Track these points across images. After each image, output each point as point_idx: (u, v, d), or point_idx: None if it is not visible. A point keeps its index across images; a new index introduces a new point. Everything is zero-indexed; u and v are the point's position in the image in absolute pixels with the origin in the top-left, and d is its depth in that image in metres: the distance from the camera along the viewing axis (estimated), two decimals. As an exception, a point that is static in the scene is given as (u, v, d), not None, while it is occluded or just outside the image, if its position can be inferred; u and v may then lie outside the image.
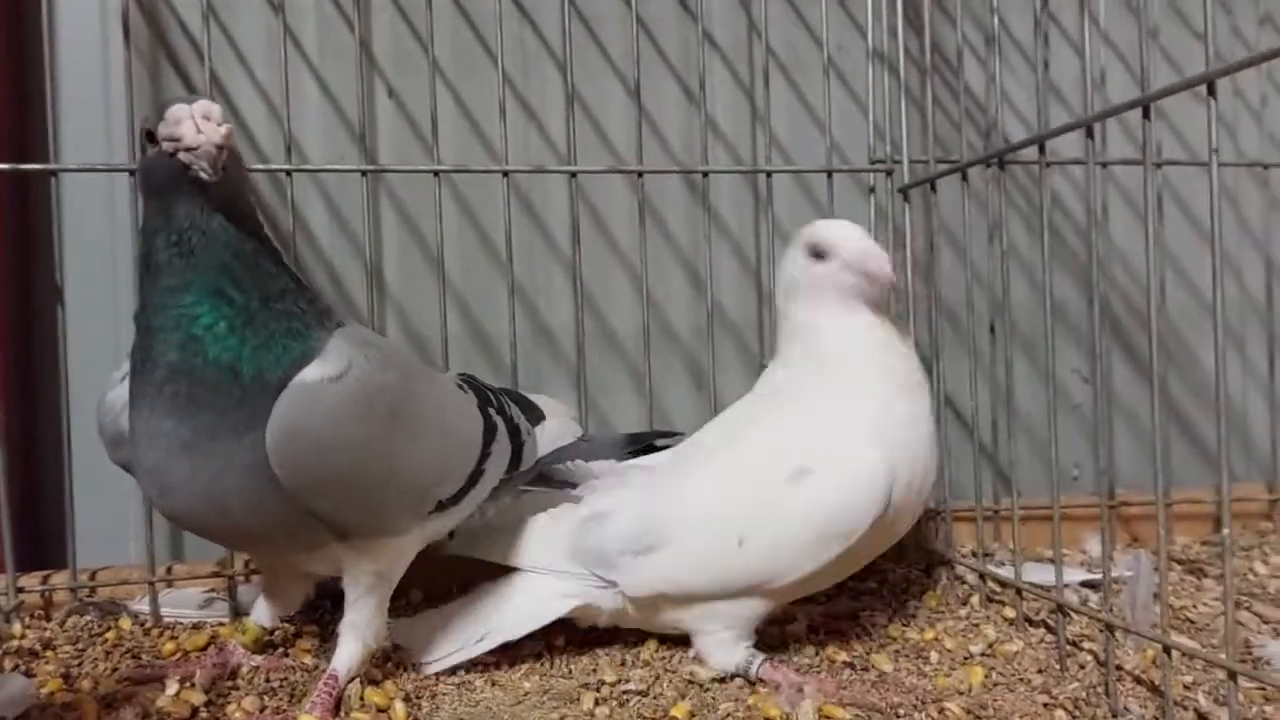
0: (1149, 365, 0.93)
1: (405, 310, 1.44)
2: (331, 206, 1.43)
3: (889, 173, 1.43)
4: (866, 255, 1.04)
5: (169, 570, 1.29)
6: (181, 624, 1.21)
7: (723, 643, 1.05)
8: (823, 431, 1.04)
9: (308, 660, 1.09)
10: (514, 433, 1.14)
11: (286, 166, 1.29)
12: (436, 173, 1.31)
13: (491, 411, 1.12)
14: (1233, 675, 0.82)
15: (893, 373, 1.06)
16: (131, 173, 1.23)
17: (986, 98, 1.39)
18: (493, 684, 1.06)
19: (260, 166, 1.33)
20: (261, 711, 0.98)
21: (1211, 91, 0.82)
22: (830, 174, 1.42)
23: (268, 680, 1.04)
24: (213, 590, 1.26)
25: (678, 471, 1.12)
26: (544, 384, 1.45)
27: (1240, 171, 1.65)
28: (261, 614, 1.10)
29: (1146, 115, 0.91)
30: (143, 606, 1.22)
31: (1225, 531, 0.84)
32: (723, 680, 1.04)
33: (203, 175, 0.84)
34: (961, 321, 1.43)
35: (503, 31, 1.34)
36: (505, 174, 1.32)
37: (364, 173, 1.30)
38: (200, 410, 0.87)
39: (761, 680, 1.02)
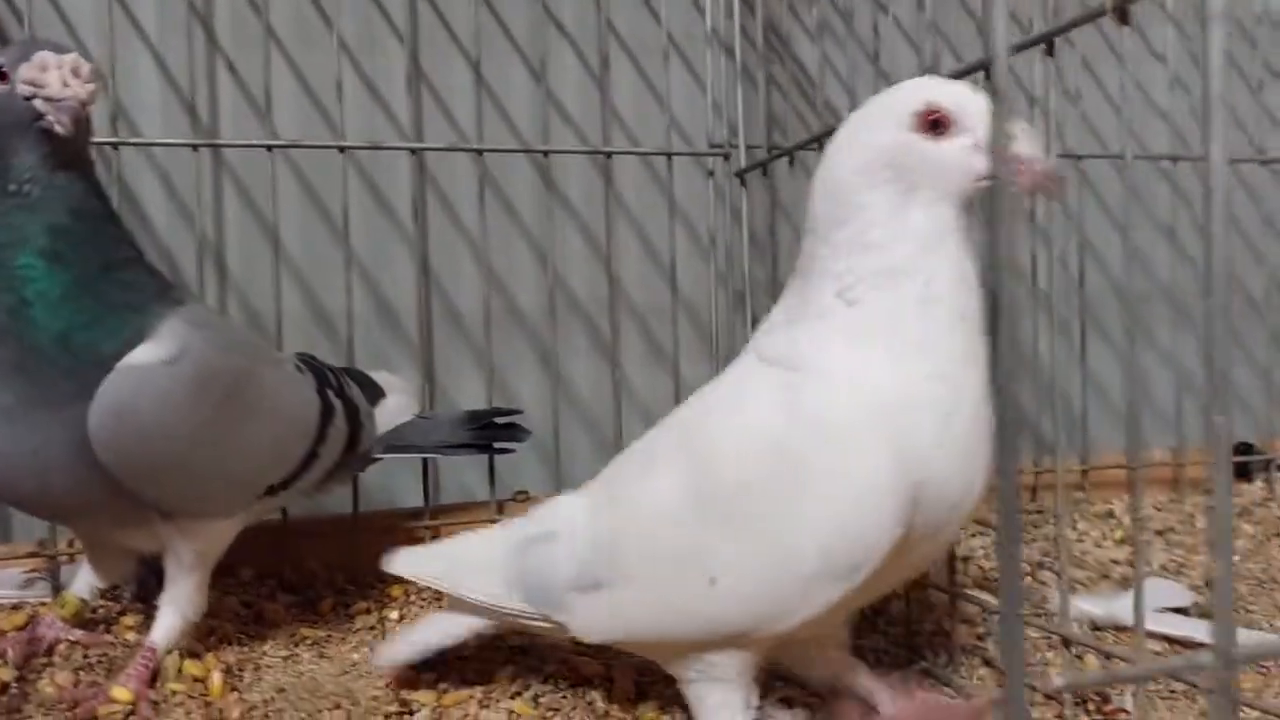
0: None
1: (244, 288, 1.43)
2: (167, 183, 1.40)
3: (726, 156, 1.47)
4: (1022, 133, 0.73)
5: (-13, 551, 1.25)
6: (1, 604, 1.18)
7: (711, 697, 0.81)
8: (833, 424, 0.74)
9: (130, 636, 1.08)
10: (352, 414, 1.12)
11: (114, 139, 1.26)
12: (270, 147, 1.30)
13: (330, 394, 1.09)
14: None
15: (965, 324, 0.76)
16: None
17: (822, 82, 1.44)
18: (321, 656, 1.07)
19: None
20: (75, 685, 0.97)
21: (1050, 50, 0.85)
22: (670, 156, 1.46)
23: (85, 656, 1.03)
24: (34, 570, 1.23)
25: (639, 473, 0.84)
26: (387, 363, 1.45)
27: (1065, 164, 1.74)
28: (81, 586, 1.08)
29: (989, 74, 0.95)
30: (-41, 587, 1.19)
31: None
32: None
33: (57, 128, 0.82)
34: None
35: (345, 5, 1.34)
36: (342, 149, 1.32)
37: (195, 147, 1.28)
38: (26, 377, 0.85)
39: None
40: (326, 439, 1.07)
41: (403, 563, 0.96)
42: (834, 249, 0.76)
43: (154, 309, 0.90)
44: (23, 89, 0.83)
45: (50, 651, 1.03)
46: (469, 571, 0.89)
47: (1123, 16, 0.75)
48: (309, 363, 1.13)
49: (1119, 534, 1.43)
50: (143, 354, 0.87)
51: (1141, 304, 1.74)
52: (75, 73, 0.83)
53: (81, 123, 0.84)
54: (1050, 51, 0.84)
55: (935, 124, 0.73)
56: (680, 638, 0.80)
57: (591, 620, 0.82)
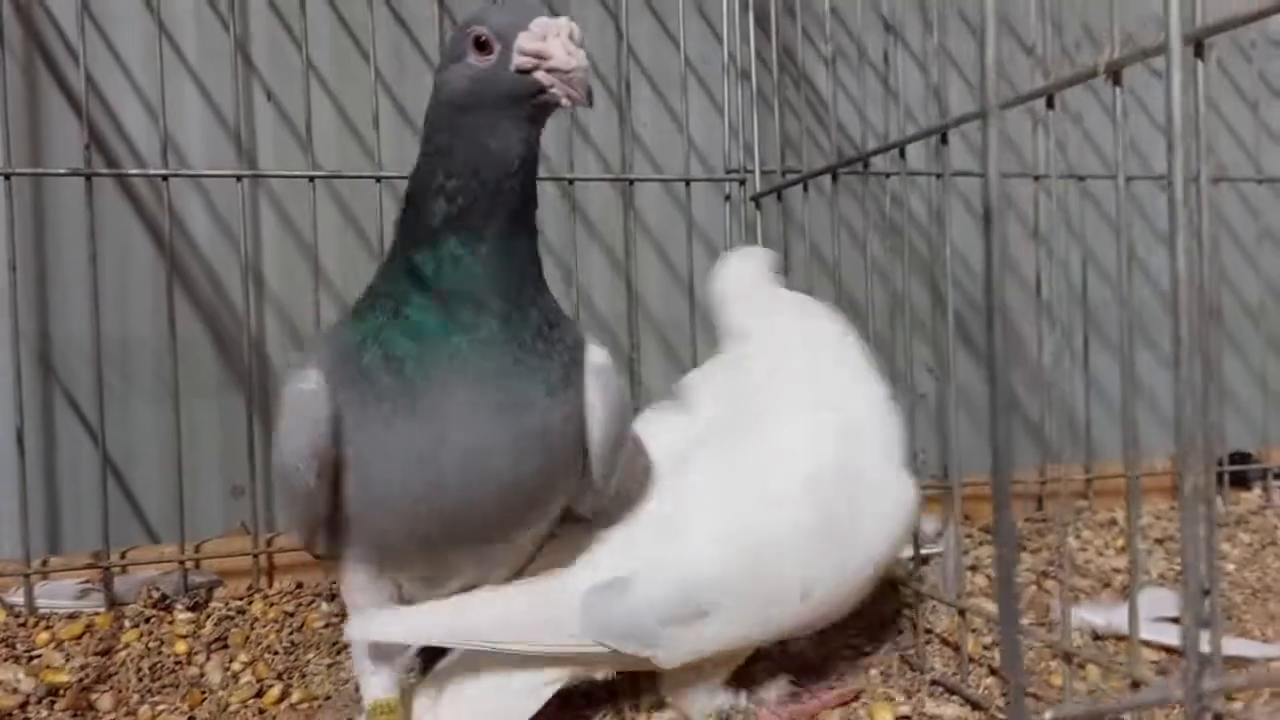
0: (989, 358, 1.03)
1: (285, 310, 1.49)
2: (213, 210, 1.47)
3: (742, 181, 1.53)
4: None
5: (44, 562, 1.32)
6: (57, 614, 1.24)
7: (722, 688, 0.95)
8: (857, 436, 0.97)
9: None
10: None
11: (164, 171, 1.32)
12: (312, 178, 1.36)
13: None
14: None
15: None
16: (6, 176, 1.26)
17: (835, 106, 1.50)
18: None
19: (136, 171, 1.36)
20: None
21: (1051, 105, 0.92)
22: (688, 182, 1.52)
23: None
24: (88, 581, 1.29)
25: (705, 502, 0.91)
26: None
27: (1070, 182, 1.80)
28: (386, 680, 0.90)
29: (1049, 105, 1.01)
30: (17, 598, 1.25)
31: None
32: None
33: (564, 102, 0.74)
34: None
35: (377, 39, 1.40)
36: (379, 179, 1.38)
37: (239, 178, 1.35)
38: (515, 371, 0.78)
39: None
40: None
41: (395, 629, 0.87)
42: None
43: None
44: (523, 61, 0.74)
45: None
46: (523, 627, 0.86)
47: (1116, 78, 0.81)
48: None
49: (1121, 542, 1.48)
50: (596, 349, 0.86)
51: (1142, 312, 1.80)
52: (571, 38, 0.74)
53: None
54: (1050, 105, 0.91)
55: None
56: (760, 641, 0.93)
57: (681, 646, 0.87)
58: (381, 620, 0.86)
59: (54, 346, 1.41)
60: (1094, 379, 1.74)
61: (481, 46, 0.75)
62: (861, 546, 0.92)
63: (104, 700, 1.02)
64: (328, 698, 1.04)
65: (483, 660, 0.88)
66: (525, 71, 0.74)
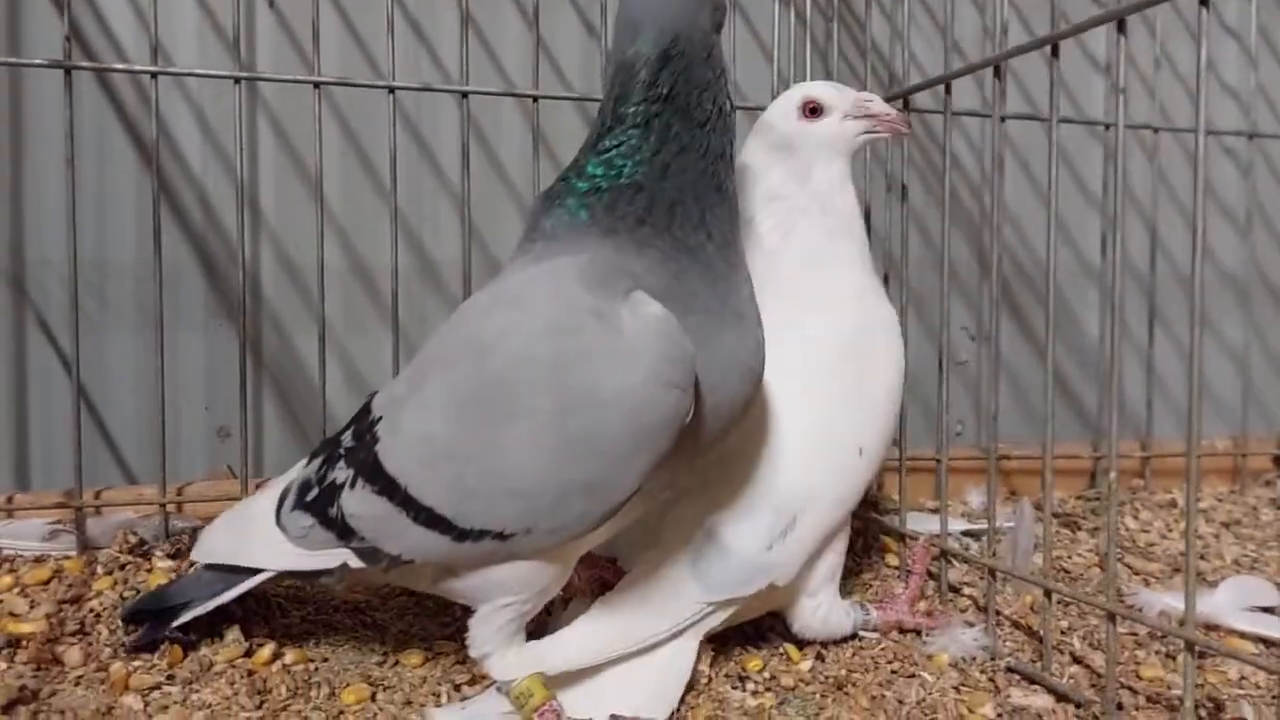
0: (1046, 327, 0.92)
1: (281, 236, 1.36)
2: (202, 120, 1.33)
3: (788, 115, 1.39)
4: (867, 100, 1.00)
5: (10, 499, 1.20)
6: (22, 557, 1.12)
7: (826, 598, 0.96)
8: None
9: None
10: None
11: (151, 68, 1.18)
12: (317, 84, 1.22)
13: None
14: (1111, 617, 0.83)
15: None
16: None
17: (891, 51, 1.37)
18: (363, 625, 1.01)
19: (121, 66, 1.22)
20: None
21: (1122, 29, 0.81)
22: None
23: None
24: (58, 522, 1.16)
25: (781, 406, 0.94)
26: (428, 323, 1.39)
27: (1129, 139, 1.68)
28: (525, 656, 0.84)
29: (1056, 53, 0.89)
30: (-22, 538, 1.13)
31: (1112, 475, 0.84)
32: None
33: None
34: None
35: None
36: (391, 90, 1.24)
37: (237, 80, 1.20)
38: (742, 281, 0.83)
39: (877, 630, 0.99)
40: None
41: (555, 659, 0.84)
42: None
43: None
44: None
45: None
46: (656, 615, 0.87)
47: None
48: None
49: (1183, 525, 1.37)
50: None
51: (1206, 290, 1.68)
52: None
53: None
54: (1122, 29, 0.81)
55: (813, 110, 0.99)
56: (843, 517, 0.96)
57: (791, 556, 0.90)
58: (539, 652, 0.83)
59: (27, 266, 1.27)
60: (1151, 357, 1.63)
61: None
62: (881, 389, 0.97)
63: (72, 654, 0.90)
64: (325, 660, 0.92)
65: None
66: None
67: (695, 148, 0.78)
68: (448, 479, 0.76)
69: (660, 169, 0.77)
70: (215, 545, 0.92)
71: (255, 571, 0.88)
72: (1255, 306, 1.72)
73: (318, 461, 0.86)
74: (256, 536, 0.87)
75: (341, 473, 0.81)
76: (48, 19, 1.25)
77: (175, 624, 0.91)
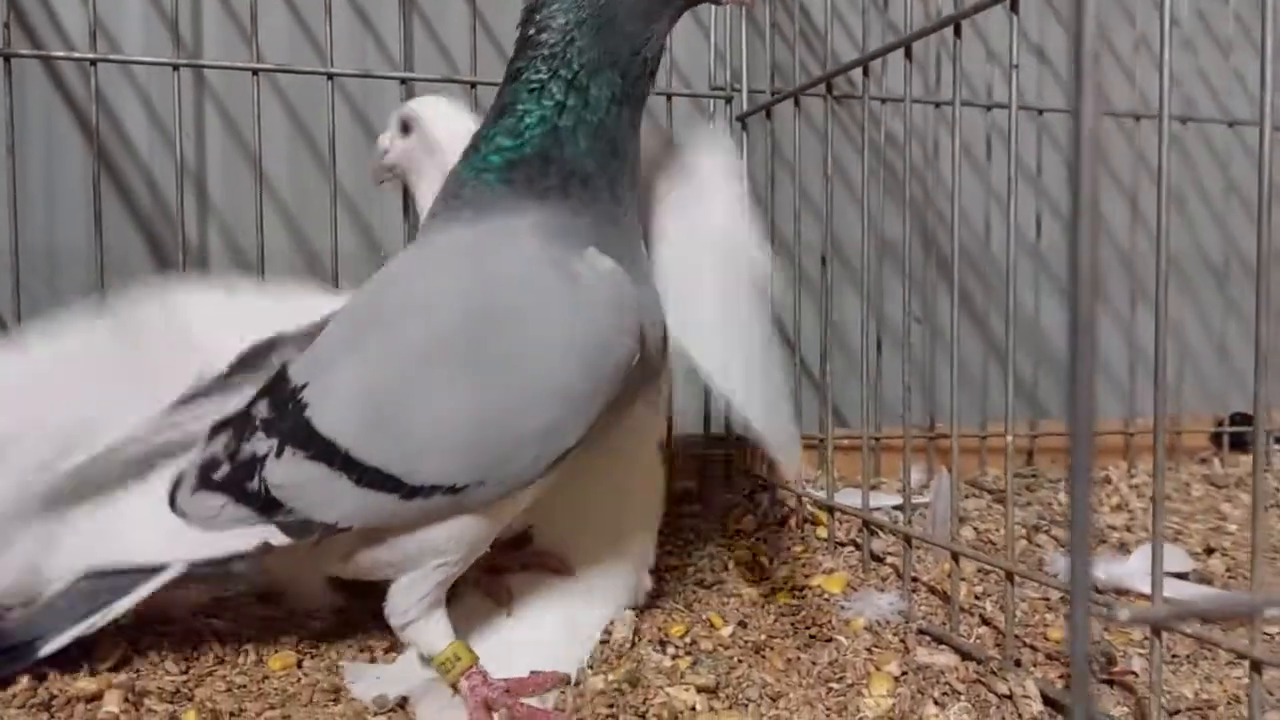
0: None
1: (227, 220, 1.38)
2: (149, 106, 1.35)
3: (728, 100, 1.42)
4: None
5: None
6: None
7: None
8: None
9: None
10: None
11: (91, 55, 1.20)
12: (256, 71, 1.24)
13: None
14: (1010, 576, 0.86)
15: None
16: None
17: (828, 29, 1.39)
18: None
19: (61, 53, 1.24)
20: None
21: (1015, 8, 0.84)
22: (670, 97, 1.41)
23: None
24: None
25: None
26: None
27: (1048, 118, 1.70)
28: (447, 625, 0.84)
29: (958, 33, 0.92)
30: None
31: (1009, 439, 0.87)
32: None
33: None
34: (794, 253, 1.44)
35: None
36: (330, 77, 1.26)
37: (175, 66, 1.22)
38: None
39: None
40: None
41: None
42: None
43: None
44: None
45: None
46: None
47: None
48: None
49: (1115, 500, 1.41)
50: None
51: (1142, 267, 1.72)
52: None
53: None
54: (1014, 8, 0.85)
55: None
56: None
57: None
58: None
59: (-29, 252, 1.29)
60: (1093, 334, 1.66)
61: None
62: None
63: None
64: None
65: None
66: None
67: (607, 118, 0.80)
68: (396, 435, 0.76)
69: (575, 138, 0.80)
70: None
71: (140, 578, 0.81)
72: (1195, 286, 1.75)
73: (221, 439, 0.81)
74: (138, 532, 0.81)
75: (262, 444, 0.79)
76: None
77: (31, 660, 0.81)
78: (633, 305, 0.77)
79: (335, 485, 0.76)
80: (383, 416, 0.76)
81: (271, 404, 0.81)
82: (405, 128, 1.04)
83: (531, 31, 0.81)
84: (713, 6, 1.41)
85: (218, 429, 0.82)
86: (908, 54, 1.00)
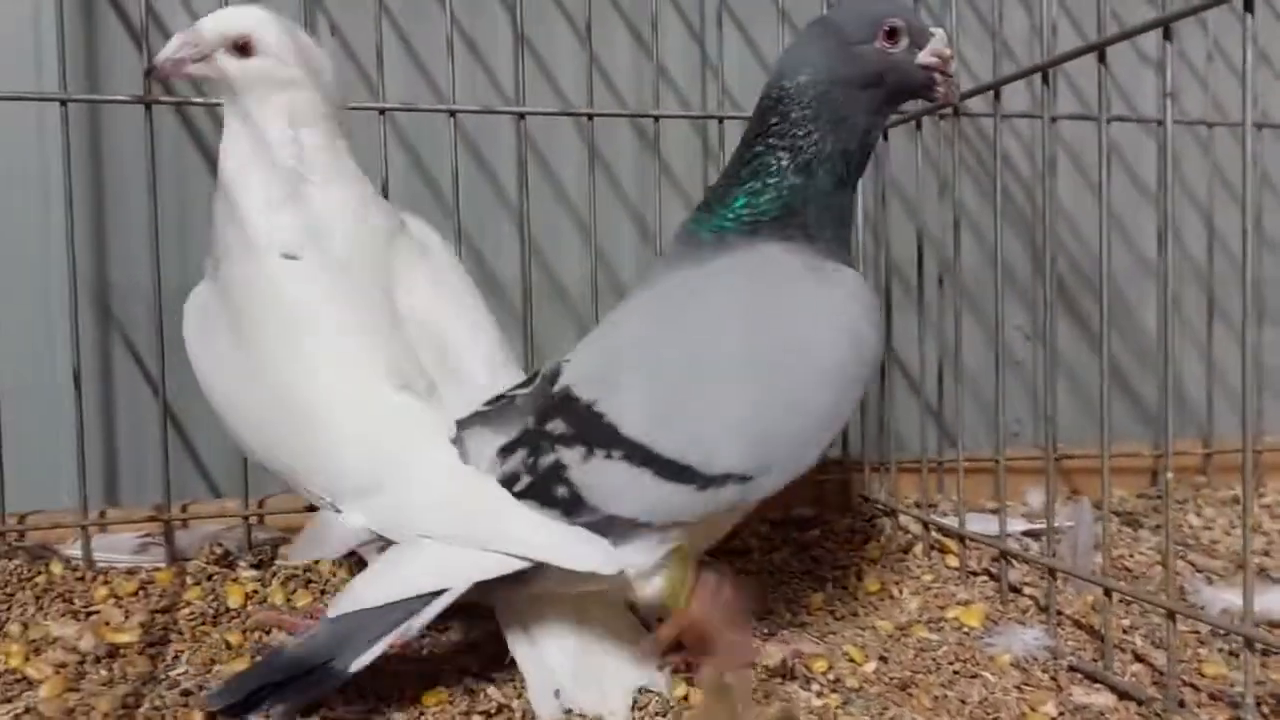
0: (1100, 324, 0.93)
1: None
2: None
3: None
4: None
5: (102, 514, 1.26)
6: (115, 569, 1.18)
7: None
8: None
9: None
10: None
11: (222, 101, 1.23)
12: (382, 110, 1.27)
13: None
14: (1171, 615, 0.84)
15: None
16: (63, 102, 1.18)
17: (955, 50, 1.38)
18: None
19: (199, 100, 1.28)
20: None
21: (1168, 36, 0.82)
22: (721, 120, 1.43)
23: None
24: (148, 535, 1.23)
25: None
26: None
27: (1183, 134, 1.67)
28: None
29: (1103, 59, 0.91)
30: (75, 550, 1.19)
31: (1168, 475, 0.85)
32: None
33: (946, 97, 0.95)
34: (909, 276, 1.43)
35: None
36: (452, 114, 1.29)
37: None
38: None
39: None
40: None
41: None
42: None
43: None
44: (929, 59, 0.93)
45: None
46: None
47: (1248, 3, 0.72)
48: None
49: (1250, 521, 1.37)
50: None
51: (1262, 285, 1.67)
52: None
53: None
54: (1168, 36, 0.85)
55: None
56: None
57: None
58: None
59: (113, 290, 1.34)
60: (1210, 352, 1.62)
61: (892, 36, 0.91)
62: None
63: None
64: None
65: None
66: (927, 68, 0.93)
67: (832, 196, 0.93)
68: (694, 429, 0.84)
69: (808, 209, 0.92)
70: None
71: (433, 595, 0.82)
72: None
73: (517, 455, 0.87)
74: (495, 523, 0.85)
75: (565, 453, 0.85)
76: (125, 52, 1.31)
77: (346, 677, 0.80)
78: (877, 305, 0.92)
79: (639, 481, 0.84)
80: (682, 414, 0.85)
81: (565, 420, 0.87)
82: (243, 48, 0.96)
83: (774, 121, 0.92)
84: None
85: (506, 450, 0.89)
86: (1045, 79, 0.99)
